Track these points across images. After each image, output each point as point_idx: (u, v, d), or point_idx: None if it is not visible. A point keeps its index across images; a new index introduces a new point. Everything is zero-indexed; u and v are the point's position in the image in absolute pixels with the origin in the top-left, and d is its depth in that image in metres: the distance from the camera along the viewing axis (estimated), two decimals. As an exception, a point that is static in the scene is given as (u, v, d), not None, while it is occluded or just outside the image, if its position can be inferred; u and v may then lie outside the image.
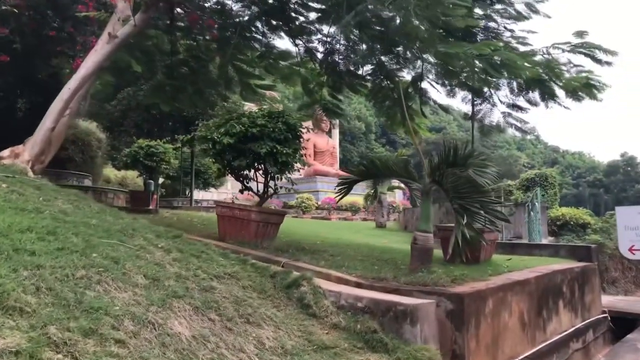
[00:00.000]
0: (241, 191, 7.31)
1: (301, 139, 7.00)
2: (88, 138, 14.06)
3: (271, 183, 7.28)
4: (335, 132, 44.25)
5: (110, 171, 23.68)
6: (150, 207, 13.23)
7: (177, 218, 10.45)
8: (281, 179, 7.16)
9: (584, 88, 7.24)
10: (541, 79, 7.06)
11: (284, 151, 6.55)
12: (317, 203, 29.09)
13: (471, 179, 5.38)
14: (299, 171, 8.71)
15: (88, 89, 9.63)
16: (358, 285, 5.24)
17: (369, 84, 10.06)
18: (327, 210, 28.73)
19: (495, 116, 8.24)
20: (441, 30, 6.33)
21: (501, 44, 6.11)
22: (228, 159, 6.67)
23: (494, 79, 7.16)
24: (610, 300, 10.69)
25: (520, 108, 7.89)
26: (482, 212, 5.40)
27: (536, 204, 12.72)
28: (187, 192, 29.44)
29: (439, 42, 5.98)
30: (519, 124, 8.12)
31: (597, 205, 59.36)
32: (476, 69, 6.01)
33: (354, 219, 26.76)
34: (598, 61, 6.65)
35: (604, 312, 9.27)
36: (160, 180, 17.58)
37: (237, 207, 6.71)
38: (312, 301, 4.30)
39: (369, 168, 6.02)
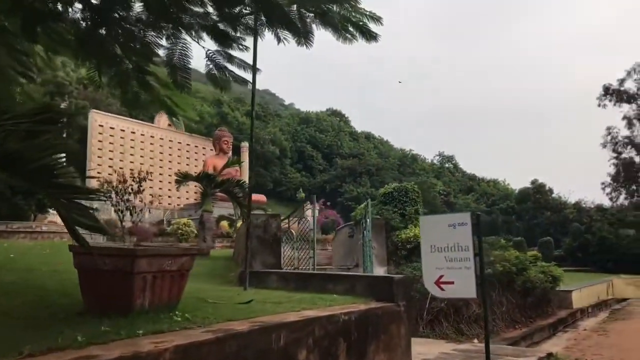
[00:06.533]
0: None
1: None
2: None
3: None
4: (245, 156, 40.87)
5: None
6: None
7: None
8: None
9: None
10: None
11: None
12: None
13: None
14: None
15: None
16: None
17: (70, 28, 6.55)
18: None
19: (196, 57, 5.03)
20: None
21: None
22: None
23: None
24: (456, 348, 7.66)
25: (223, 36, 4.70)
26: None
27: (367, 221, 9.65)
28: (31, 216, 24.46)
29: None
30: (230, 66, 4.96)
31: (510, 232, 59.01)
32: None
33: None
34: None
35: (413, 378, 6.15)
36: None
37: None
38: None
39: None
